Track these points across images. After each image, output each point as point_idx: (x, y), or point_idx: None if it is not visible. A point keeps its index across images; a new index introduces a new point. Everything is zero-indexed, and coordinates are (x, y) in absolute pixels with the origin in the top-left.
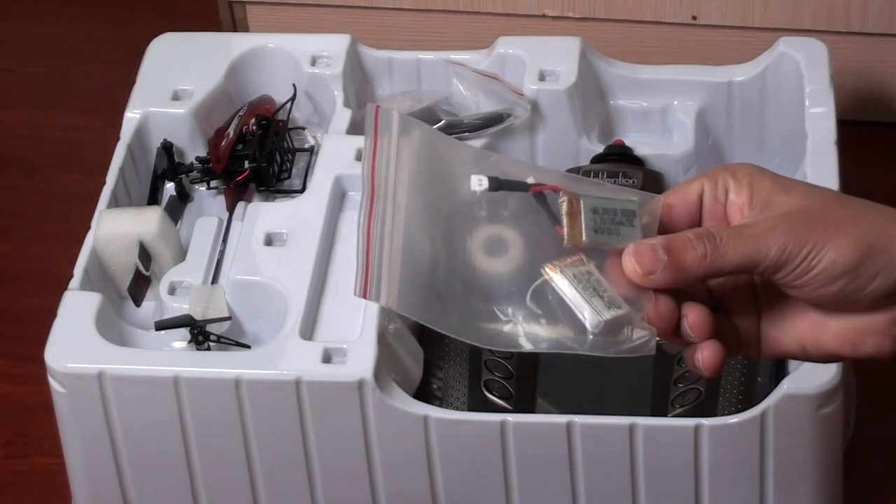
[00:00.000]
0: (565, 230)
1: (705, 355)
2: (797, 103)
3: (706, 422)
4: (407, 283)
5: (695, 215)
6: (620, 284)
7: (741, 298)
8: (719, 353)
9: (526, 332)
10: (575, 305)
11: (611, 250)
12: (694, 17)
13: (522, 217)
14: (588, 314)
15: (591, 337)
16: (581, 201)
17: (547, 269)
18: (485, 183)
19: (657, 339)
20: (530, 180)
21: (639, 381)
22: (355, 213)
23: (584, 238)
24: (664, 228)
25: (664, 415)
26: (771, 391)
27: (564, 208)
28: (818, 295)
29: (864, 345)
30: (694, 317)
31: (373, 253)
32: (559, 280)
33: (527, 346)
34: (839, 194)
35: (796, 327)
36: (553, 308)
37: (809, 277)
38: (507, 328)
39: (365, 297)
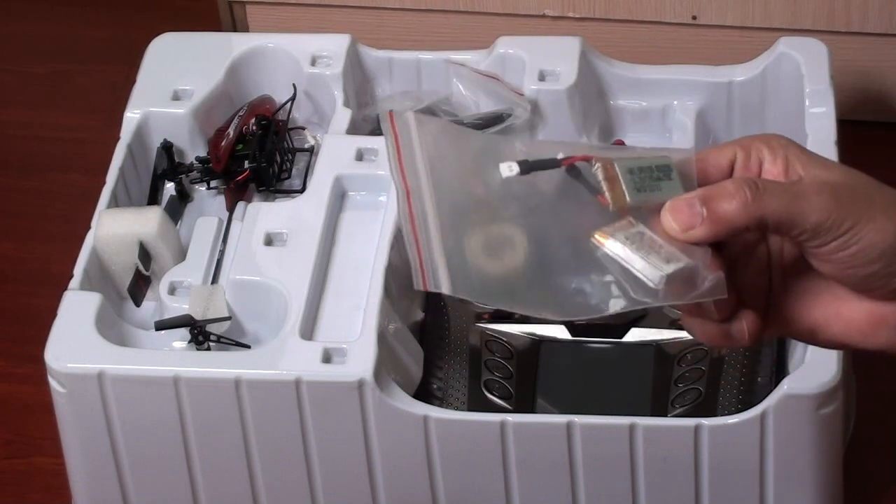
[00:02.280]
0: (608, 195)
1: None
2: (797, 103)
3: (706, 422)
4: (460, 270)
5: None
6: (673, 239)
7: (753, 275)
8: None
9: (599, 298)
10: (632, 266)
11: (655, 208)
12: (694, 17)
13: (560, 195)
14: (648, 272)
15: (660, 291)
16: (615, 165)
17: (597, 237)
18: (515, 168)
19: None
20: (560, 156)
21: (639, 381)
22: (355, 212)
23: (628, 199)
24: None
25: (664, 415)
26: (771, 391)
27: (601, 174)
28: (847, 275)
29: (875, 336)
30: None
31: (422, 247)
32: (611, 244)
33: (605, 310)
34: (876, 180)
35: (810, 311)
36: (615, 273)
37: (846, 254)
38: (578, 299)
39: (425, 288)
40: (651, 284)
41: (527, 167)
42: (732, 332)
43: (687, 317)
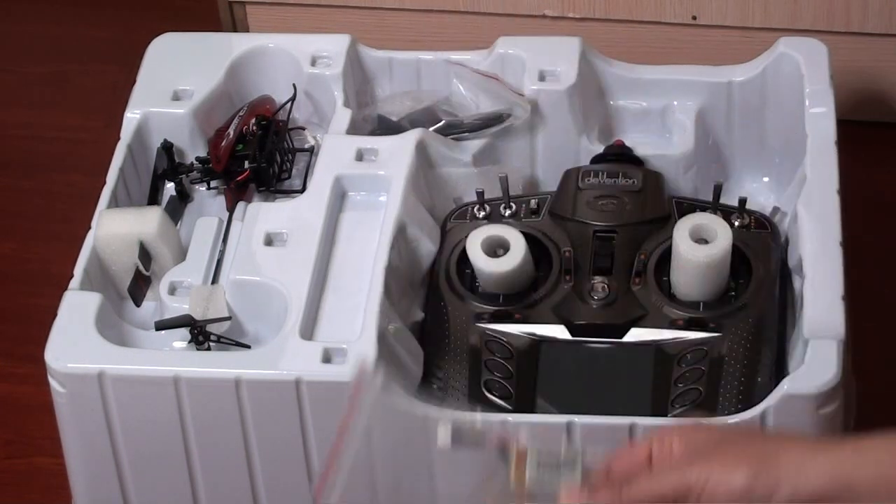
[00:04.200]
0: (511, 476)
1: None
2: (797, 103)
3: (706, 422)
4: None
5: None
6: None
7: None
8: None
9: None
10: None
11: (551, 496)
12: (694, 17)
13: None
14: None
15: None
16: (528, 454)
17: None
18: (448, 441)
19: None
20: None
21: (639, 381)
22: (355, 212)
23: (526, 484)
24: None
25: (664, 415)
26: (771, 391)
27: (513, 460)
28: None
29: None
30: None
31: (340, 459)
32: None
33: None
34: (753, 429)
35: None
36: None
37: None
38: None
39: (318, 496)
40: None
41: (457, 440)
42: None
43: None
